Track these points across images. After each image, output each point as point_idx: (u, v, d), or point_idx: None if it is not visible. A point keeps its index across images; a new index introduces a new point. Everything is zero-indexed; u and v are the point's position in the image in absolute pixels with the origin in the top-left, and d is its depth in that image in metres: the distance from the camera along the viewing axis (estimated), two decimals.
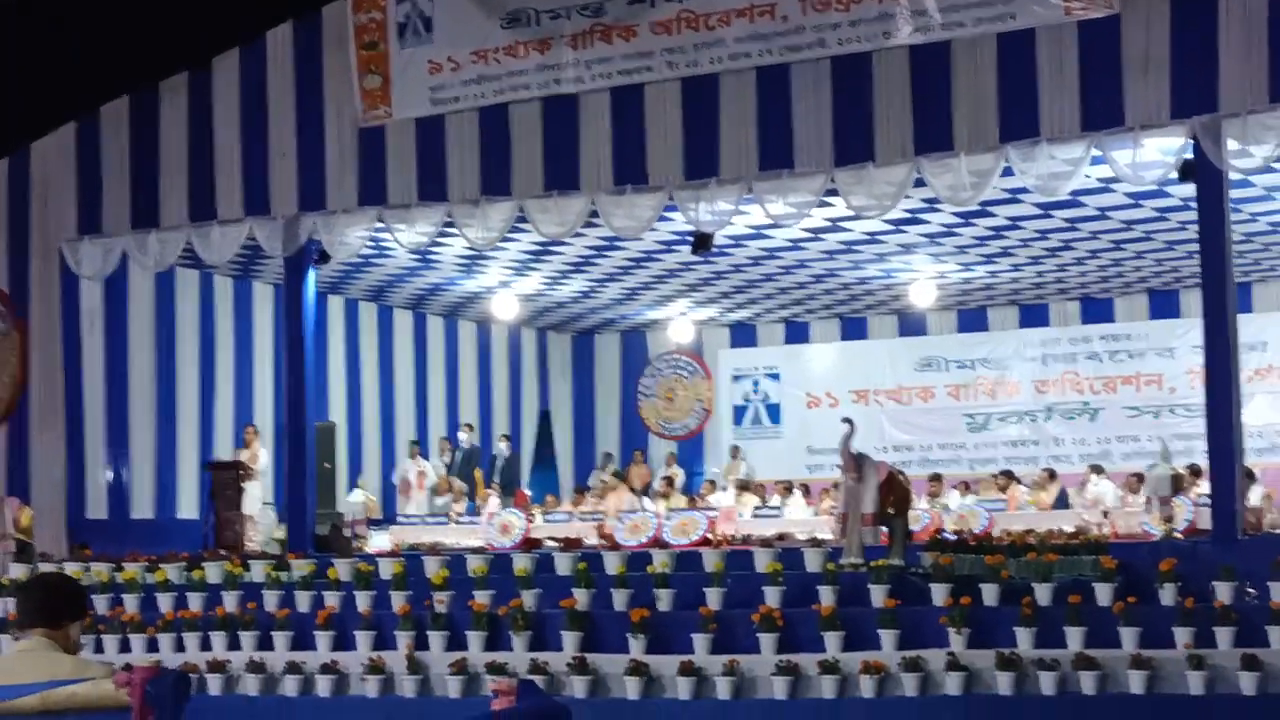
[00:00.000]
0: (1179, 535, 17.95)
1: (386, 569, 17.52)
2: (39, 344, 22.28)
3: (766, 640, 14.85)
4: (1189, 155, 16.66)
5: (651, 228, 19.60)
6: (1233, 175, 16.88)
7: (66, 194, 21.95)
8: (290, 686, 16.22)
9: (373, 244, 21.49)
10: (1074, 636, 14.20)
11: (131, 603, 18.11)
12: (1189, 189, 17.50)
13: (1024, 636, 14.33)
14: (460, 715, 13.01)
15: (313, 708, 15.90)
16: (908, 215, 20.79)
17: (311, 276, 20.97)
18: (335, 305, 26.79)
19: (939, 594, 15.01)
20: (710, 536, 19.23)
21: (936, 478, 24.33)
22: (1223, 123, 16.30)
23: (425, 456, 26.63)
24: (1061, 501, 23.09)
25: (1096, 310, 28.15)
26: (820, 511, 22.87)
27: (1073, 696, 13.81)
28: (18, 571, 19.46)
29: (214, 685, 16.42)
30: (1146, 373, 27.43)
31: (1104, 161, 17.15)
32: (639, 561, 16.88)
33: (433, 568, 17.31)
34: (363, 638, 16.37)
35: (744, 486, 25.54)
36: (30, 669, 4.49)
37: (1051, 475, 23.89)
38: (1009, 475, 24.05)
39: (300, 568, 18.04)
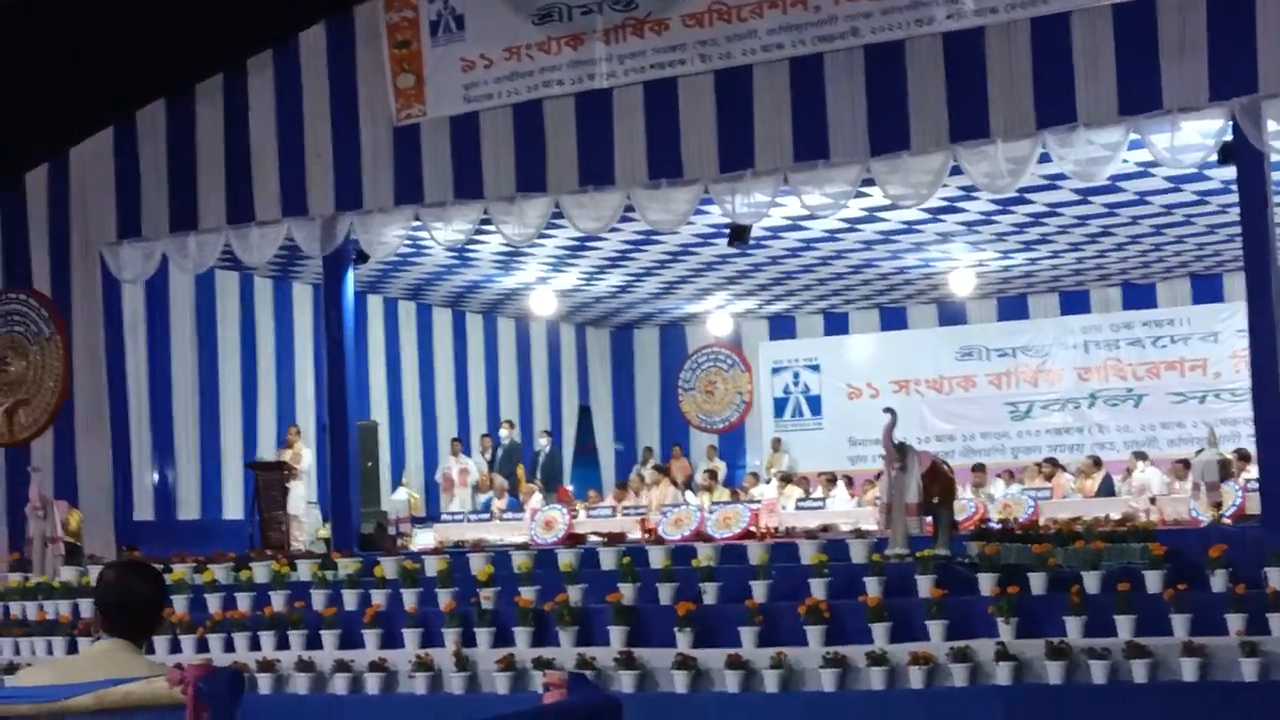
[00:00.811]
0: (1228, 521, 17.80)
1: (432, 566, 17.54)
2: (82, 348, 22.43)
3: (813, 632, 14.79)
4: (1228, 137, 16.51)
5: (688, 221, 19.57)
6: (1274, 157, 16.73)
7: (105, 198, 22.07)
8: (339, 685, 16.24)
9: (410, 242, 21.56)
10: (1124, 625, 14.08)
11: (180, 603, 18.15)
12: (1229, 171, 17.35)
13: (1073, 625, 14.22)
14: (509, 712, 13.02)
15: (362, 706, 15.92)
16: (945, 204, 20.73)
17: (350, 276, 21.03)
18: (374, 304, 26.87)
19: (986, 583, 14.92)
20: (754, 529, 19.18)
21: (979, 468, 24.25)
22: (1262, 104, 16.14)
23: (467, 454, 26.68)
24: (1106, 489, 22.97)
25: (1138, 296, 28.02)
26: (864, 502, 22.83)
27: (1124, 685, 13.69)
28: (68, 574, 19.58)
29: (264, 685, 16.46)
30: (1190, 358, 27.29)
31: (1142, 146, 17.03)
32: (683, 555, 16.85)
33: (478, 564, 17.32)
34: (410, 635, 16.40)
35: (787, 479, 25.52)
36: (95, 670, 4.51)
37: (1096, 463, 23.76)
38: (1054, 463, 23.95)
39: (346, 566, 18.09)
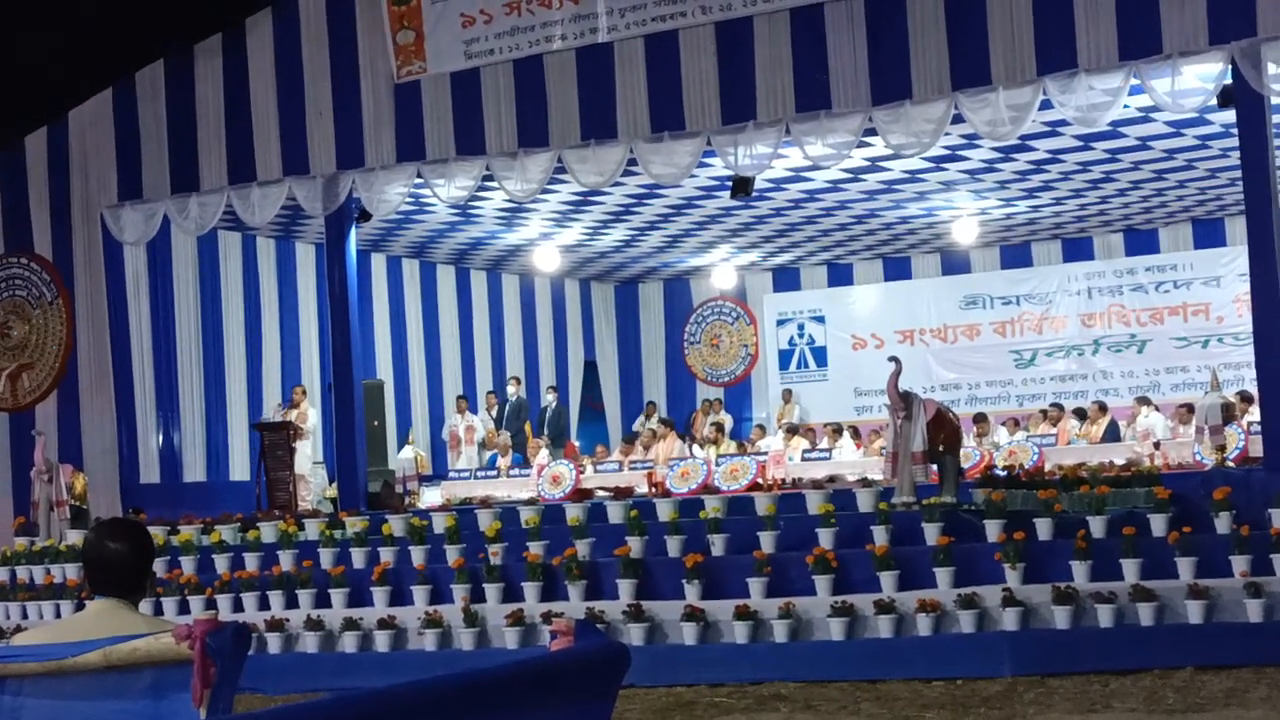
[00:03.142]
0: (1231, 464, 17.82)
1: (440, 523, 17.59)
2: (85, 311, 22.46)
3: (821, 582, 14.85)
4: (1228, 81, 16.49)
5: (690, 174, 19.54)
6: (1274, 100, 16.70)
7: (106, 161, 22.08)
8: (349, 643, 16.32)
9: (412, 200, 21.54)
10: (1130, 568, 14.14)
11: (188, 564, 18.25)
12: (1230, 115, 17.32)
13: (1079, 570, 14.28)
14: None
15: (372, 663, 15.97)
16: (947, 152, 20.68)
17: (353, 235, 21.01)
18: (378, 263, 26.85)
19: (992, 530, 14.96)
20: (760, 481, 19.20)
21: (981, 418, 24.22)
22: (1262, 47, 16.13)
23: (473, 411, 26.69)
24: (1111, 434, 22.97)
25: (1141, 242, 27.93)
26: (870, 452, 22.83)
27: (1130, 628, 13.75)
28: (74, 537, 19.64)
29: (273, 644, 16.55)
30: (1193, 303, 27.24)
31: (1143, 90, 16.99)
32: (691, 508, 16.87)
33: (486, 521, 17.36)
34: (419, 592, 16.47)
35: (793, 430, 25.50)
36: (96, 629, 4.52)
37: (1102, 408, 23.77)
38: (1061, 408, 23.94)
39: (354, 525, 18.13)
